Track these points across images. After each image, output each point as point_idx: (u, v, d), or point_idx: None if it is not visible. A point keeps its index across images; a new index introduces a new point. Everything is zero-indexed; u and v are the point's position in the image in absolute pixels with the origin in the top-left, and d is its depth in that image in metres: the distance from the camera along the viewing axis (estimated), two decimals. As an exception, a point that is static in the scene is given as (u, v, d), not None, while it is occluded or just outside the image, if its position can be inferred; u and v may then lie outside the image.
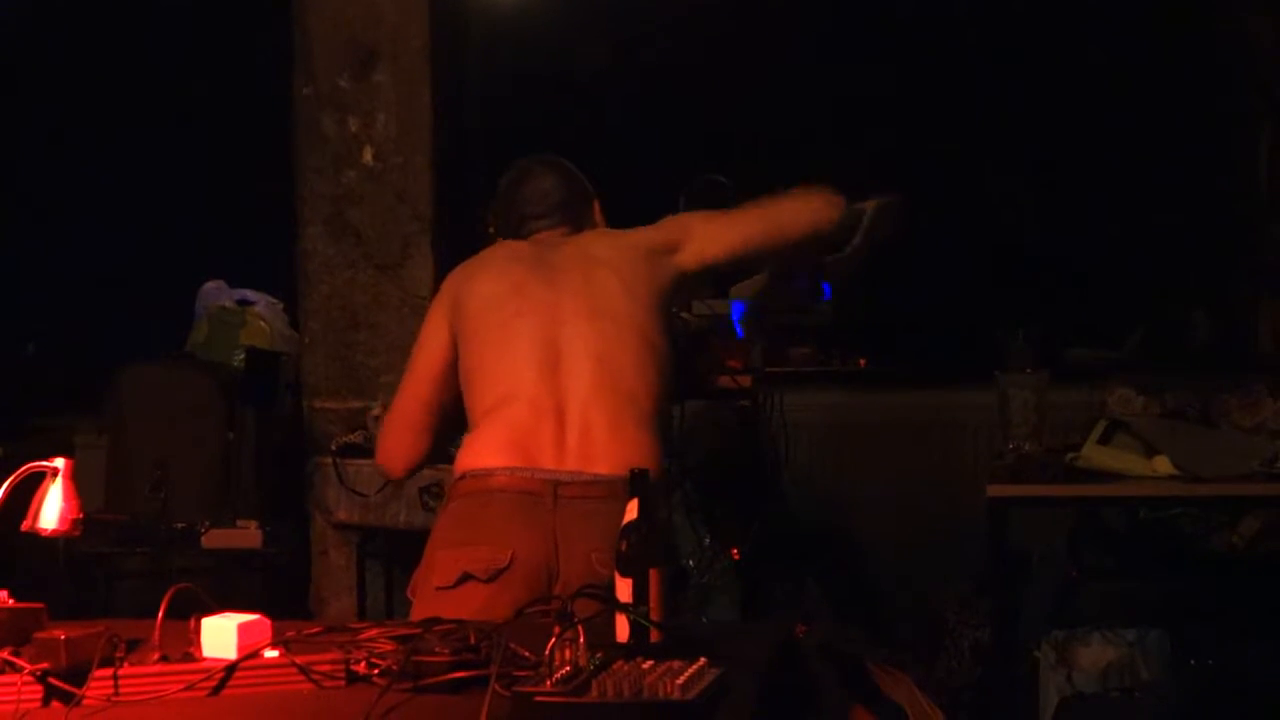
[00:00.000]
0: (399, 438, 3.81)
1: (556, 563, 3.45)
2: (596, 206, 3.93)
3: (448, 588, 3.46)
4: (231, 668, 2.57)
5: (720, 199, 6.12)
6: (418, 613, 3.43)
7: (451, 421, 3.78)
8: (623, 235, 3.81)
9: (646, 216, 3.87)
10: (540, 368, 3.56)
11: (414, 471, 3.90)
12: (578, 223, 3.87)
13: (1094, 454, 4.83)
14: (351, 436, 5.38)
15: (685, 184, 6.25)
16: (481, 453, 3.56)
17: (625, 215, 3.93)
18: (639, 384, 3.57)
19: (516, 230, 3.87)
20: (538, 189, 3.88)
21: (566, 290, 3.64)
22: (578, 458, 3.50)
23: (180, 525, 5.49)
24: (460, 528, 3.53)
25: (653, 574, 2.69)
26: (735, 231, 3.84)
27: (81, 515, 2.89)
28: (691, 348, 4.85)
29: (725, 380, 5.03)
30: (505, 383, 3.58)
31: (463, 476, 3.58)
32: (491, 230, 4.00)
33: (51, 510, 2.87)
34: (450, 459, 3.72)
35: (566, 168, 3.93)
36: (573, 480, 3.49)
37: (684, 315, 4.87)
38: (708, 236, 3.79)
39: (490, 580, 3.44)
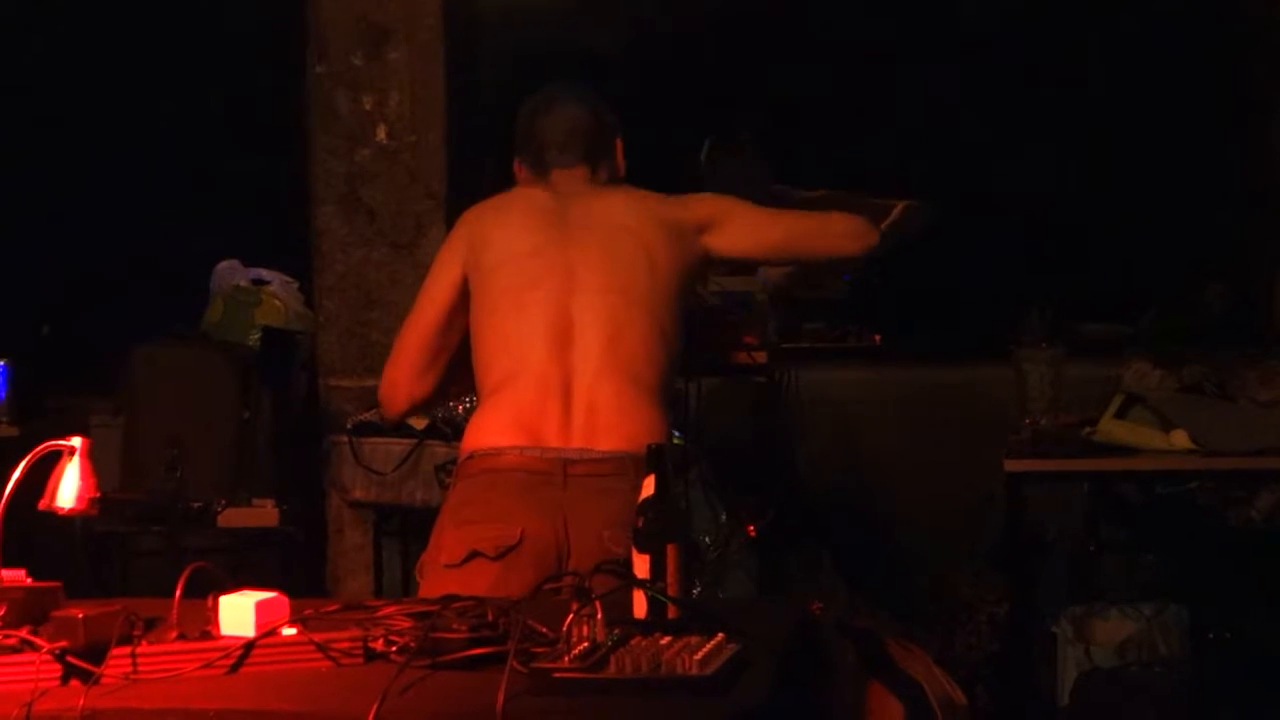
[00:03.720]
0: (402, 373, 3.76)
1: (567, 541, 3.45)
2: (619, 147, 3.86)
3: (456, 565, 3.47)
4: (249, 646, 2.57)
5: (742, 150, 6.14)
6: (426, 591, 3.44)
7: (455, 368, 3.75)
8: (656, 204, 3.75)
9: (660, 190, 3.84)
10: (549, 344, 3.54)
11: (412, 412, 3.86)
12: (597, 162, 3.81)
13: (1111, 428, 4.82)
14: (367, 415, 5.38)
15: (712, 133, 6.25)
16: (489, 432, 3.55)
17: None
18: (647, 363, 3.56)
19: (536, 159, 3.81)
20: (562, 118, 3.81)
21: (582, 261, 3.60)
22: (584, 435, 3.49)
23: (196, 504, 5.49)
24: (468, 506, 3.53)
25: (670, 550, 2.69)
26: (774, 232, 3.82)
27: (98, 494, 2.89)
28: (706, 324, 4.84)
29: (741, 356, 5.01)
30: (514, 356, 3.56)
31: (471, 456, 3.58)
32: (516, 168, 3.90)
33: (68, 489, 2.87)
34: (454, 414, 3.71)
35: (594, 99, 3.86)
36: (581, 458, 3.48)
37: (699, 291, 4.86)
38: (746, 228, 3.77)
39: (499, 558, 3.44)
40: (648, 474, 2.78)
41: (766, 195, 6.03)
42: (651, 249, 3.63)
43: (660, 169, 3.96)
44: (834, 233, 3.87)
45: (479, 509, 3.51)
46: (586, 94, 3.87)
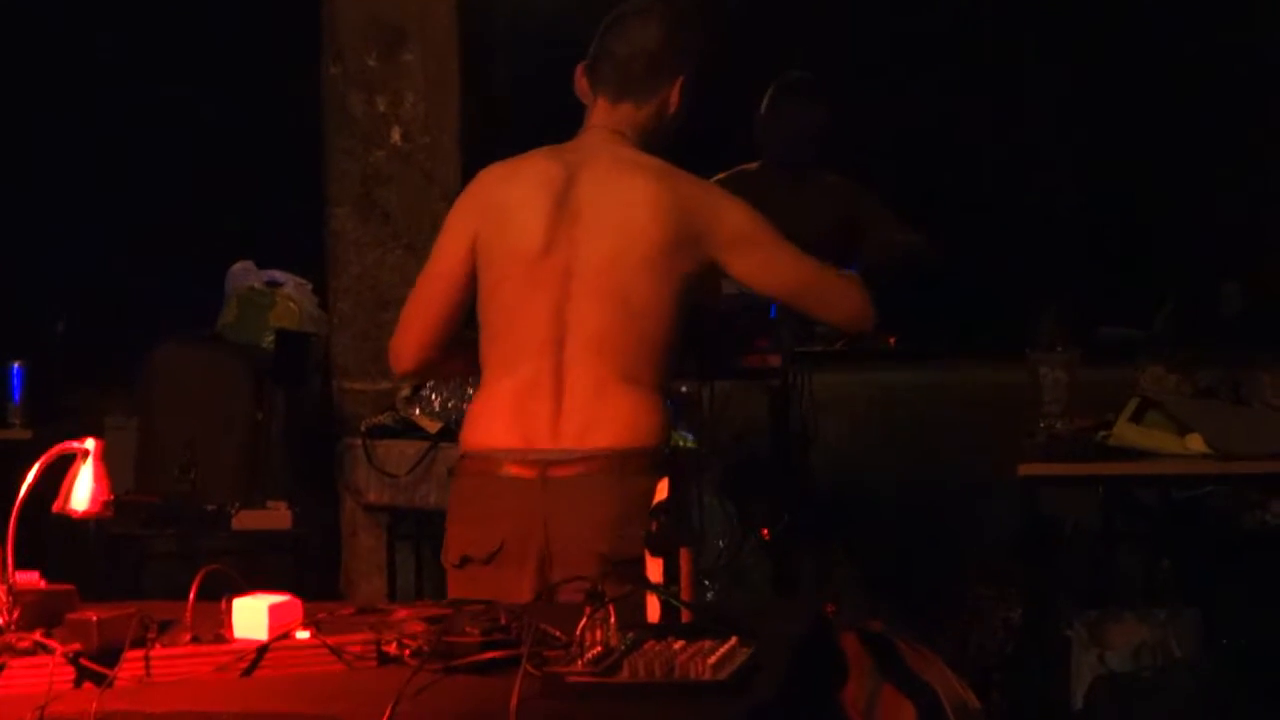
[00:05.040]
0: (412, 334, 3.70)
1: (547, 543, 3.45)
2: (678, 85, 3.68)
3: (457, 566, 3.53)
4: (263, 649, 2.57)
5: (814, 96, 6.08)
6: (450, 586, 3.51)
7: (461, 336, 3.70)
8: (683, 200, 3.57)
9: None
10: (544, 345, 3.51)
11: (420, 373, 3.83)
12: (645, 97, 3.65)
13: (1126, 432, 4.81)
14: (381, 417, 5.38)
15: (776, 78, 6.19)
16: (480, 432, 3.57)
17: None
18: (642, 364, 3.52)
19: (594, 72, 3.67)
20: (628, 39, 3.65)
21: (585, 261, 3.52)
22: (570, 434, 3.48)
23: (210, 507, 5.50)
24: (461, 507, 3.58)
25: (684, 554, 2.69)
26: (791, 278, 3.67)
27: (112, 497, 2.88)
28: (719, 328, 4.83)
29: (754, 360, 5.01)
30: (510, 354, 3.55)
31: (464, 455, 3.61)
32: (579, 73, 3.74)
33: (82, 492, 2.86)
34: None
35: (676, 27, 3.68)
36: (563, 459, 3.47)
37: (713, 295, 4.86)
38: (767, 265, 3.63)
39: (487, 562, 3.48)
40: (661, 477, 2.77)
41: (823, 141, 6.07)
42: (660, 252, 3.53)
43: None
44: (838, 305, 3.74)
45: (468, 510, 3.55)
46: (671, 15, 3.69)
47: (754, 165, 6.13)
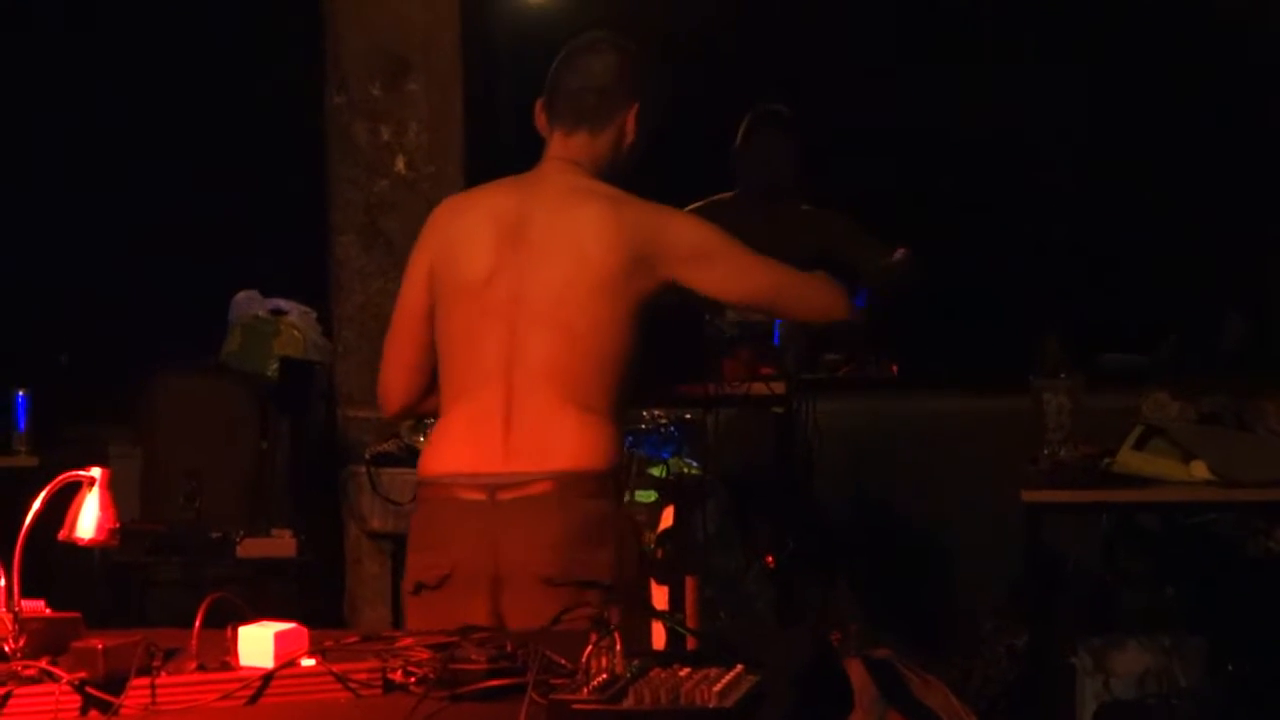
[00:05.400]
0: (393, 374, 3.74)
1: (497, 568, 3.45)
2: (633, 113, 3.70)
3: (412, 594, 3.54)
4: (268, 677, 2.57)
5: (787, 128, 6.17)
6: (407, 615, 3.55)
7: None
8: (633, 224, 3.57)
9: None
10: (494, 372, 3.52)
11: (408, 412, 3.84)
12: (601, 126, 3.67)
13: (1130, 459, 4.81)
14: (385, 445, 5.38)
15: (749, 109, 6.27)
16: (434, 459, 3.58)
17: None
18: (591, 389, 3.50)
19: (550, 106, 3.71)
20: (580, 71, 3.70)
21: (534, 291, 3.53)
22: (518, 458, 3.48)
23: (215, 534, 5.51)
24: (416, 534, 3.59)
25: (689, 582, 2.69)
26: (759, 282, 3.67)
27: (118, 525, 2.89)
28: (722, 355, 4.84)
29: (759, 387, 5.02)
30: (462, 383, 3.57)
31: (420, 483, 3.63)
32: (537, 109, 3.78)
33: (88, 520, 2.87)
34: None
35: (626, 58, 3.72)
36: (512, 482, 3.47)
37: (716, 323, 4.87)
38: (733, 272, 3.62)
39: (438, 588, 3.49)
40: (666, 505, 2.78)
41: (797, 171, 6.17)
42: (610, 278, 3.52)
43: (676, 197, 3.89)
44: (811, 300, 3.75)
45: (422, 538, 3.57)
46: (621, 48, 3.73)
47: (729, 195, 6.18)
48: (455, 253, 3.62)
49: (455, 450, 3.54)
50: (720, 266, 3.62)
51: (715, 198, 6.14)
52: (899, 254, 6.14)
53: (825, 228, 6.17)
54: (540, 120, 3.77)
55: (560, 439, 3.47)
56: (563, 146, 3.71)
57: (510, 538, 3.44)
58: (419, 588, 3.53)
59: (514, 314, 3.53)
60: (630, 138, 3.72)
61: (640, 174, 3.75)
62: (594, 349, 3.51)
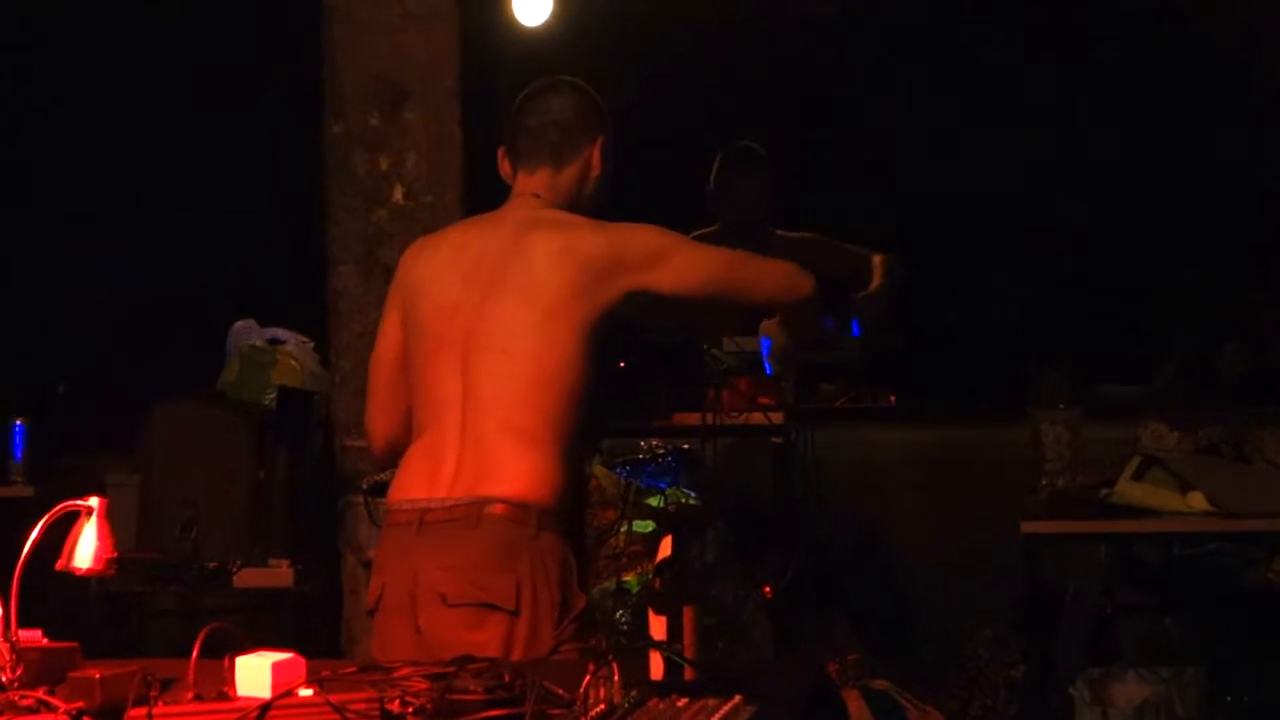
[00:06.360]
0: (374, 417, 3.84)
1: (415, 588, 3.50)
2: (598, 146, 3.76)
3: (370, 614, 3.64)
4: (266, 707, 2.56)
5: (755, 165, 6.39)
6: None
7: None
8: (585, 245, 3.59)
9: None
10: (449, 405, 3.58)
11: (396, 449, 3.86)
12: (564, 162, 3.73)
13: (1128, 490, 4.80)
14: (382, 475, 5.35)
15: (721, 147, 6.48)
16: (392, 489, 3.66)
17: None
18: (537, 421, 3.52)
19: (511, 148, 3.78)
20: (540, 109, 3.76)
21: (487, 323, 3.57)
22: (460, 487, 3.51)
23: (212, 564, 5.50)
24: (375, 561, 3.70)
25: (687, 612, 2.68)
26: (717, 270, 3.70)
27: (116, 555, 2.89)
28: (720, 385, 4.84)
29: (757, 417, 5.01)
30: (425, 416, 3.64)
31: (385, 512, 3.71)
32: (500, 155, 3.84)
33: (86, 549, 2.87)
34: None
35: (585, 96, 3.78)
36: (438, 506, 3.51)
37: (714, 352, 4.87)
38: (691, 265, 3.65)
39: (375, 610, 3.59)
40: (664, 535, 2.77)
41: (771, 212, 6.39)
42: (560, 304, 3.54)
43: (675, 221, 3.89)
44: (771, 279, 3.79)
45: (376, 563, 3.67)
46: (578, 88, 3.80)
47: (711, 229, 6.30)
48: (421, 292, 3.70)
49: (408, 480, 3.61)
50: (674, 260, 3.64)
51: (699, 233, 6.19)
52: (876, 260, 6.33)
53: (801, 250, 6.21)
54: (504, 167, 3.84)
55: (494, 467, 3.51)
56: (525, 182, 3.78)
57: (422, 558, 3.49)
58: (370, 612, 3.63)
59: (467, 346, 3.59)
60: (596, 171, 3.78)
61: (632, 209, 3.76)
62: (533, 374, 3.54)
